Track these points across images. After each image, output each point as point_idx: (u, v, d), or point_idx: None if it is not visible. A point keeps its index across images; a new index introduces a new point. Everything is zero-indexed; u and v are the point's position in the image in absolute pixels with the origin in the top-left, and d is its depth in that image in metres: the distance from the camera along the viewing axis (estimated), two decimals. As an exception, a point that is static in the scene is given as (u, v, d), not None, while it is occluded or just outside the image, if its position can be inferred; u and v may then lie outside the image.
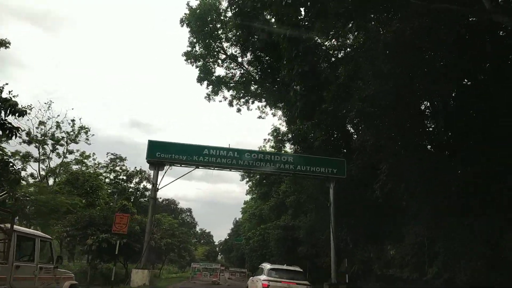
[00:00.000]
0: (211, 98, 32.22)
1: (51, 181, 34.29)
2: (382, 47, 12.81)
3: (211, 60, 31.07)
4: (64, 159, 35.46)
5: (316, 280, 21.89)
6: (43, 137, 33.27)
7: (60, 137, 34.49)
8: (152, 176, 20.84)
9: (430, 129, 16.26)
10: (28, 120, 30.44)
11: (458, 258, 12.28)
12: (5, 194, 9.60)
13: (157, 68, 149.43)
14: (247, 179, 43.24)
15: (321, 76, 16.62)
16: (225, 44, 30.52)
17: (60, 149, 34.97)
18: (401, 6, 12.08)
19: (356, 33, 15.66)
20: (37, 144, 32.89)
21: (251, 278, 16.75)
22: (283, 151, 30.96)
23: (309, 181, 23.44)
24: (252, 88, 32.04)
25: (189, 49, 30.00)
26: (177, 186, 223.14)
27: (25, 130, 29.94)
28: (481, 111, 12.63)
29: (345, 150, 21.48)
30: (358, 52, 16.37)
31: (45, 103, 36.21)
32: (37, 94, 75.48)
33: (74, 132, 35.18)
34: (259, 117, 34.17)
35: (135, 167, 40.87)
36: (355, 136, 19.86)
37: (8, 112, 8.11)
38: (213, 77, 31.30)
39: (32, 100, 79.74)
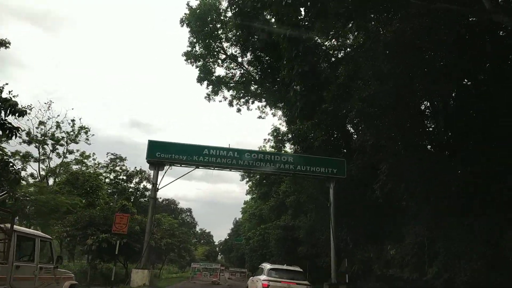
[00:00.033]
0: (211, 98, 32.27)
1: (51, 181, 34.32)
2: (382, 47, 12.83)
3: (211, 60, 31.05)
4: (64, 159, 35.56)
5: (316, 280, 21.86)
6: (43, 137, 33.28)
7: (60, 137, 34.51)
8: (152, 176, 20.84)
9: (430, 129, 16.29)
10: (28, 120, 30.50)
11: (458, 258, 12.25)
12: (5, 194, 9.58)
13: (157, 68, 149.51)
14: (247, 179, 43.23)
15: (321, 76, 16.58)
16: (225, 44, 30.56)
17: (60, 149, 35.07)
18: (401, 6, 12.08)
19: (356, 33, 15.66)
20: (37, 144, 32.90)
21: (251, 278, 16.76)
22: (283, 151, 30.88)
23: (309, 181, 23.42)
24: (252, 88, 32.03)
25: (189, 49, 30.03)
26: (177, 186, 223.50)
27: (25, 130, 30.02)
28: (481, 111, 12.65)
29: (345, 150, 21.51)
30: (358, 52, 16.38)
31: (45, 103, 36.18)
32: (37, 94, 75.62)
33: (74, 132, 35.20)
34: (259, 117, 34.24)
35: (135, 167, 40.92)
36: (355, 136, 19.86)
37: (8, 112, 8.11)
38: (213, 77, 31.29)
39: (32, 100, 79.83)
